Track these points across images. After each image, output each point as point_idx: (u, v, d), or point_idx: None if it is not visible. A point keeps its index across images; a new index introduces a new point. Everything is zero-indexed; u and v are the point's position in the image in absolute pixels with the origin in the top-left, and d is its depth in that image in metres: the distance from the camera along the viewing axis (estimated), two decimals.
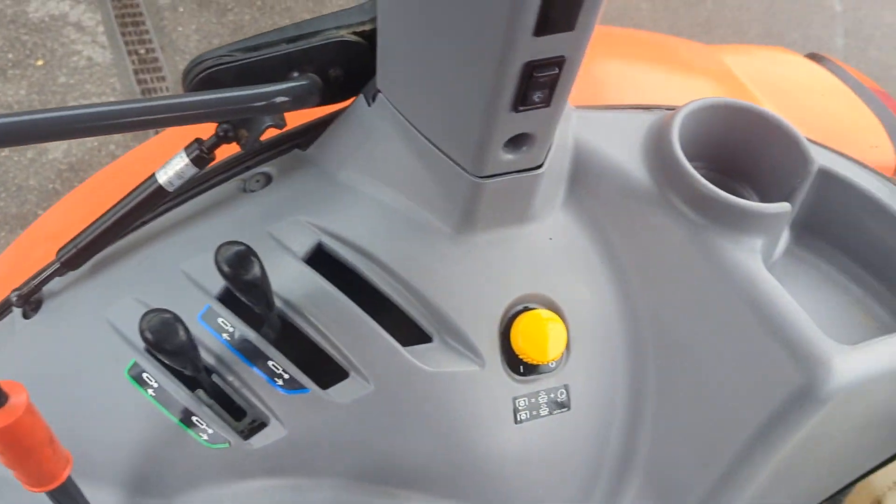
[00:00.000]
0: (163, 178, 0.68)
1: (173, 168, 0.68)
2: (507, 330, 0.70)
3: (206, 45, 3.07)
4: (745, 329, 0.67)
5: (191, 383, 0.66)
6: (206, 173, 0.75)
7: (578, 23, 0.52)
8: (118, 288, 0.69)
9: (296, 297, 0.66)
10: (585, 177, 0.73)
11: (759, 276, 0.67)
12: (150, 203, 0.68)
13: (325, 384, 0.67)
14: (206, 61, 0.68)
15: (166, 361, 0.60)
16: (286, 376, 0.65)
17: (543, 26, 0.51)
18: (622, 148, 0.74)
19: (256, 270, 0.57)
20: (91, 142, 2.68)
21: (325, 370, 0.67)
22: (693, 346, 0.71)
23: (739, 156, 0.76)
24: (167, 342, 0.55)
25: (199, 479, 0.68)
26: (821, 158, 0.75)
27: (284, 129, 0.74)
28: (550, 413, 0.72)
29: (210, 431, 0.65)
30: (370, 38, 0.69)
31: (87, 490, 0.53)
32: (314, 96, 0.68)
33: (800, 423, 0.66)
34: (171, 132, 1.14)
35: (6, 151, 2.59)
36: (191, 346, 0.58)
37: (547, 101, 0.58)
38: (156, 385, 0.64)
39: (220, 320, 0.66)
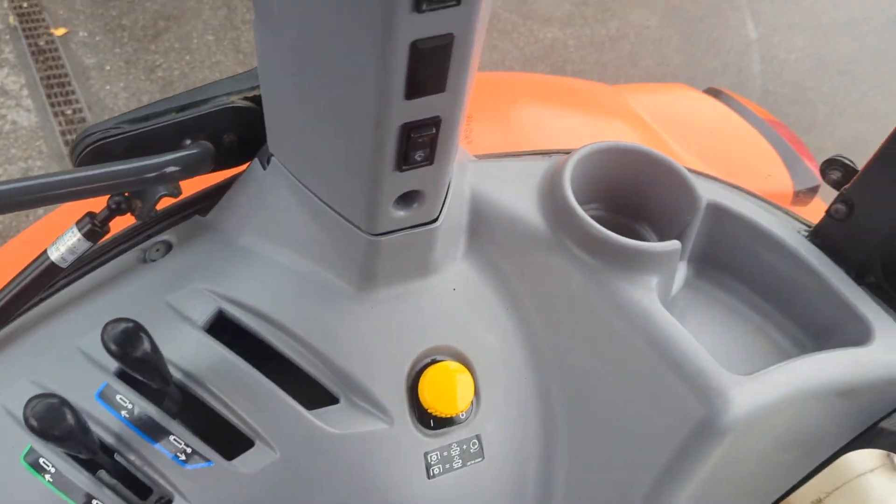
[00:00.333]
0: (55, 254, 0.67)
1: (65, 244, 0.67)
2: (415, 385, 0.70)
3: (136, 102, 3.04)
4: (646, 366, 0.68)
5: (91, 465, 0.64)
6: (104, 245, 0.74)
7: (449, 84, 0.53)
8: (13, 370, 0.67)
9: (196, 368, 0.65)
10: (484, 226, 0.75)
11: (655, 314, 0.69)
12: (44, 281, 0.67)
13: (230, 454, 0.66)
14: (93, 134, 0.67)
15: (57, 447, 0.59)
16: (188, 450, 0.64)
17: (413, 90, 0.52)
18: (518, 195, 0.75)
19: (146, 346, 0.57)
20: None
21: (231, 440, 0.66)
22: (599, 386, 0.72)
23: (633, 195, 0.79)
24: (54, 428, 0.54)
25: None
26: (711, 193, 0.78)
27: (184, 196, 0.74)
28: (464, 465, 0.72)
29: None
30: (262, 102, 0.70)
31: None
32: (207, 164, 0.69)
33: (706, 455, 0.67)
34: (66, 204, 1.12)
35: None
36: (81, 429, 0.56)
37: (430, 160, 0.59)
38: (53, 470, 0.63)
39: (118, 397, 0.64)
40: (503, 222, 0.74)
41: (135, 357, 0.56)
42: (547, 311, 0.74)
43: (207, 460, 0.64)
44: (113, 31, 3.29)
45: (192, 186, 0.75)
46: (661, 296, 0.72)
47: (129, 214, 0.69)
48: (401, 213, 0.64)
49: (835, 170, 0.76)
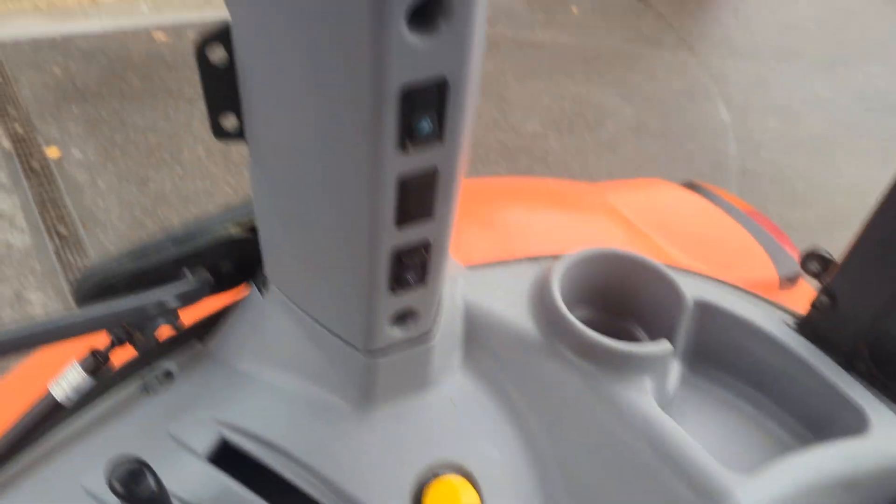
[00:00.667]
0: (59, 394, 0.68)
1: (69, 382, 0.68)
2: (419, 502, 0.70)
3: (129, 217, 3.09)
4: (647, 469, 0.69)
5: None
6: (106, 378, 0.75)
7: (436, 210, 0.56)
8: None
9: (199, 498, 0.65)
10: (479, 336, 0.76)
11: (652, 415, 0.69)
12: (49, 421, 0.68)
13: None
14: (95, 272, 0.69)
15: None
16: None
17: (403, 218, 0.55)
18: (510, 303, 0.77)
19: (151, 486, 0.57)
20: None
21: None
22: (604, 494, 0.72)
23: (622, 296, 0.81)
24: None
25: None
26: (697, 290, 0.80)
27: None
28: None
29: None
30: (256, 230, 0.73)
31: None
32: (205, 293, 0.71)
33: None
34: None
35: None
36: None
37: (422, 280, 0.61)
38: None
39: None
40: (497, 331, 0.76)
41: (140, 497, 0.57)
42: (546, 418, 0.75)
43: None
44: (105, 149, 3.37)
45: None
46: (657, 396, 0.73)
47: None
48: (396, 331, 0.66)
49: (814, 262, 0.78)
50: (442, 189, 0.54)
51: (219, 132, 0.56)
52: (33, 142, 3.33)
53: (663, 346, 0.72)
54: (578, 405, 0.73)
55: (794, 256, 1.30)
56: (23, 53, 3.76)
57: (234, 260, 0.74)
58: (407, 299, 0.63)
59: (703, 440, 0.68)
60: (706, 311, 0.79)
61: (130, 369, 0.76)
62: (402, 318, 0.65)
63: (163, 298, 0.66)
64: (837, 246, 0.77)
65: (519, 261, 0.85)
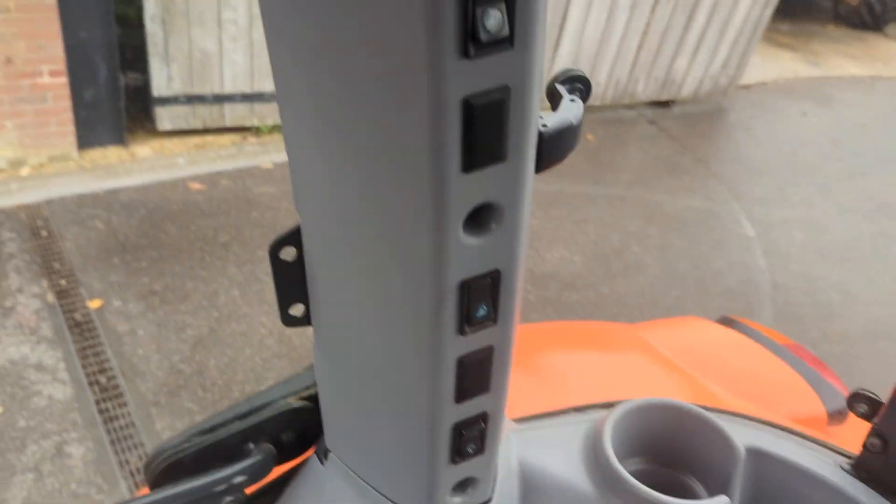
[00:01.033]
0: None
1: None
2: None
3: (168, 365, 3.14)
4: None
5: None
6: None
7: (492, 384, 0.59)
8: None
9: None
10: (535, 496, 0.77)
11: None
12: None
13: None
14: (165, 452, 0.72)
15: None
16: None
17: (463, 394, 0.58)
18: (563, 461, 0.78)
19: None
20: None
21: None
22: None
23: (674, 448, 0.81)
24: None
25: None
26: (749, 437, 0.80)
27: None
28: None
29: None
30: (317, 399, 0.76)
31: None
32: (269, 467, 0.73)
33: None
34: None
35: None
36: None
37: (481, 449, 0.63)
38: None
39: None
40: (552, 490, 0.76)
41: None
42: None
43: None
44: (145, 298, 3.47)
45: None
46: None
47: None
48: (457, 501, 0.67)
49: (861, 403, 0.79)
50: (497, 364, 0.57)
51: (288, 320, 0.60)
52: (77, 294, 3.44)
53: (720, 500, 0.72)
54: None
55: (839, 387, 1.29)
56: (68, 210, 3.96)
57: (296, 430, 0.77)
58: (467, 468, 0.65)
59: None
60: (759, 459, 0.80)
61: None
62: (463, 486, 0.67)
63: (231, 476, 0.69)
64: (883, 357, 0.78)
65: (566, 412, 0.87)
